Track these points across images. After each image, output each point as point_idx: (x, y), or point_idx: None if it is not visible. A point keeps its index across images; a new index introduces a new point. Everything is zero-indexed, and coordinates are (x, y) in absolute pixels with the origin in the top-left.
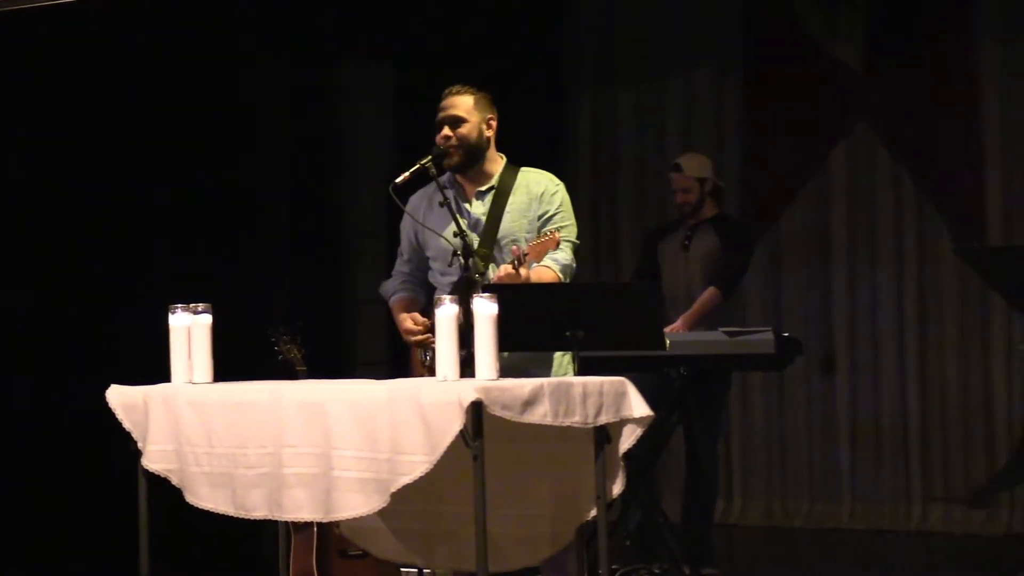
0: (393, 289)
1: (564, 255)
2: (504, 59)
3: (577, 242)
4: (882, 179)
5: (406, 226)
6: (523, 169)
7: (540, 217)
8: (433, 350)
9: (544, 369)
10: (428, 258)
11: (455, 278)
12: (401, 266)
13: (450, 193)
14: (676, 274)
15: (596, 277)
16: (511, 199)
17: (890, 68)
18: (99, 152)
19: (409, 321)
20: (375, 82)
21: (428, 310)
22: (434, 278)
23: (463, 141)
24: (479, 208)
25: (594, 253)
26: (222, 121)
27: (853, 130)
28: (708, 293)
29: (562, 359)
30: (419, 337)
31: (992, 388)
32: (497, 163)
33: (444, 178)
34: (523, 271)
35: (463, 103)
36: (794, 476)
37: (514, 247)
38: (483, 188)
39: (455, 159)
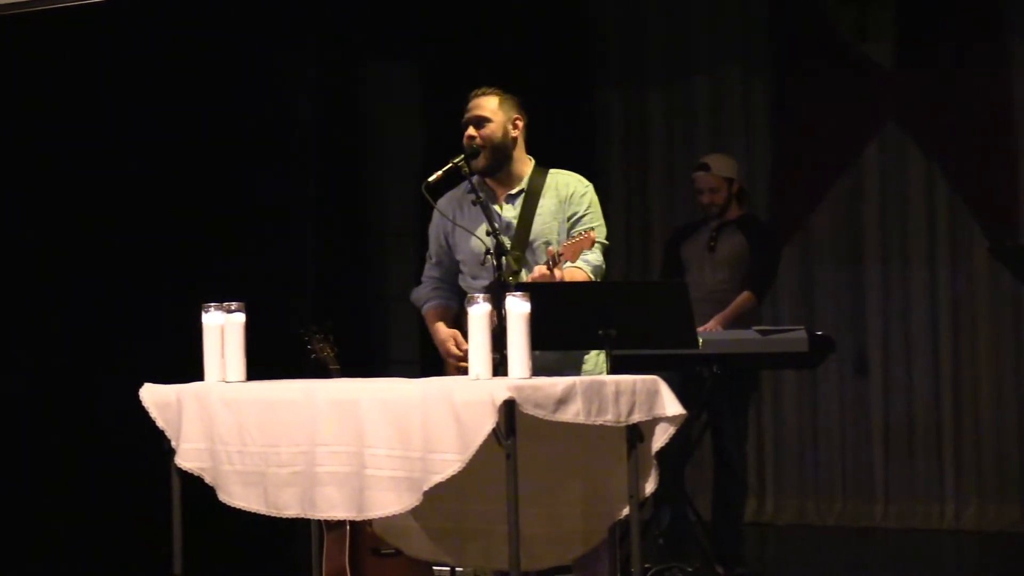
0: (425, 296)
1: (595, 256)
2: (533, 60)
3: (607, 243)
4: (914, 177)
5: (435, 229)
6: (552, 171)
7: (570, 218)
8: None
9: (573, 371)
10: (458, 262)
11: (486, 282)
12: (431, 270)
13: (482, 194)
14: (702, 275)
15: (627, 276)
16: (541, 202)
17: (921, 66)
18: (134, 153)
19: (452, 344)
20: (402, 82)
21: (461, 317)
22: (464, 282)
23: (487, 141)
24: (510, 212)
25: (625, 253)
26: (252, 122)
27: (884, 129)
28: (743, 297)
29: (596, 357)
30: (461, 364)
31: None
32: (526, 165)
33: (475, 178)
34: (557, 272)
35: (488, 104)
36: (827, 475)
37: (548, 248)
38: (513, 191)
39: (481, 161)
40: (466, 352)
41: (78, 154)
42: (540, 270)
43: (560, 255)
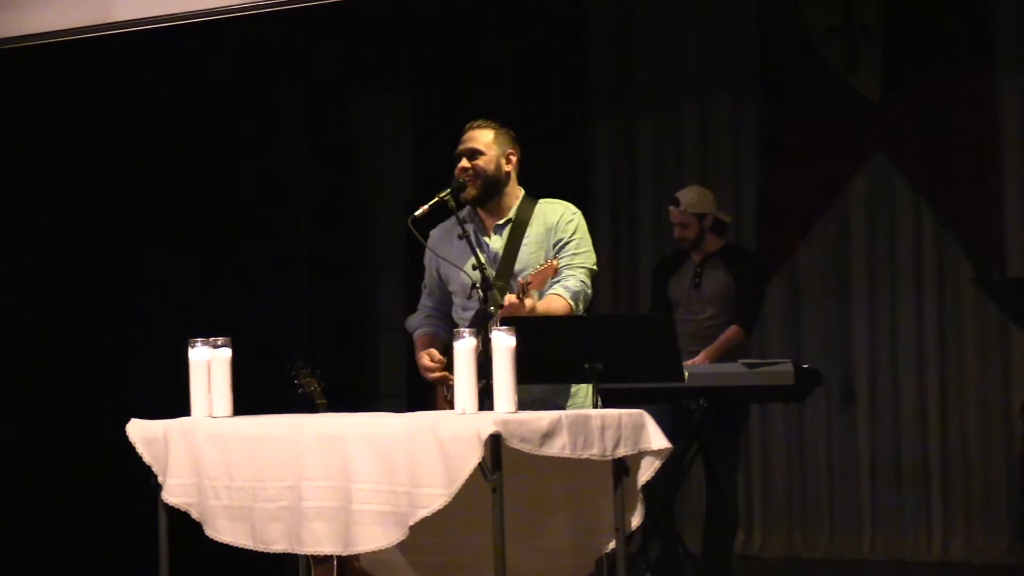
0: (417, 324)
1: (574, 282)
2: (522, 88)
3: (594, 268)
4: (901, 209)
5: (429, 261)
6: (541, 201)
7: (555, 245)
8: (452, 385)
9: (566, 400)
10: (451, 293)
11: (474, 312)
12: (425, 300)
13: (470, 227)
14: (691, 312)
15: (615, 305)
16: (528, 231)
17: (908, 97)
18: (117, 185)
19: (426, 358)
20: (392, 113)
21: (450, 346)
22: (456, 312)
23: (480, 173)
24: (497, 242)
25: (613, 282)
26: (239, 153)
27: (871, 159)
28: (731, 331)
29: (586, 388)
30: (437, 374)
31: (1013, 417)
32: (516, 196)
33: (464, 212)
34: (528, 301)
35: (482, 136)
36: (814, 507)
37: (519, 278)
38: (501, 222)
39: (472, 191)
40: (440, 363)
41: (68, 187)
42: (510, 299)
43: (528, 284)
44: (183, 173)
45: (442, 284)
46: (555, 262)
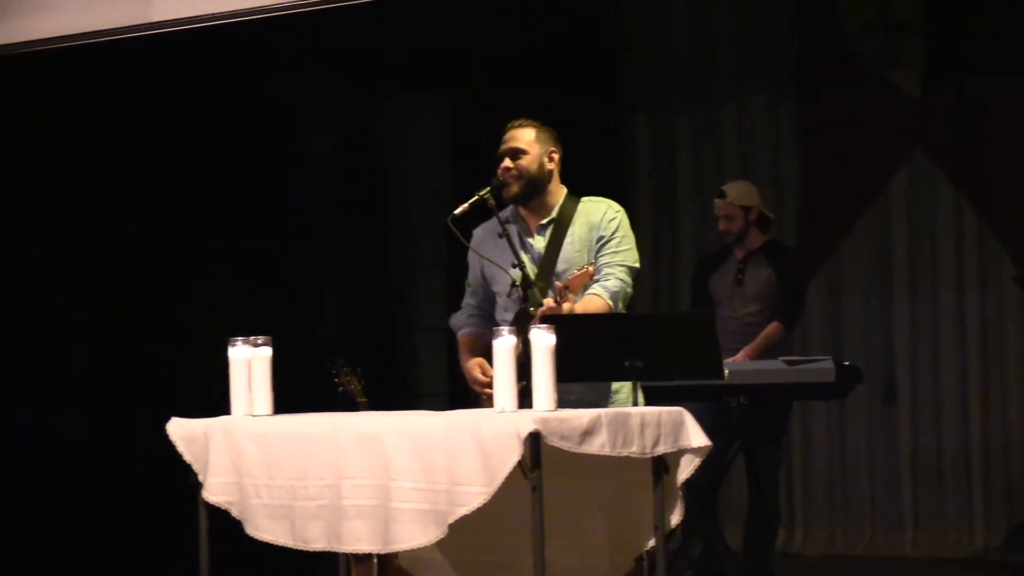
0: (460, 323)
1: (613, 281)
2: (560, 89)
3: (636, 266)
4: (942, 206)
5: (473, 259)
6: (584, 199)
7: (598, 242)
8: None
9: (607, 402)
10: (494, 293)
11: (514, 313)
12: (468, 298)
13: (512, 227)
14: (733, 309)
15: (655, 304)
16: (571, 230)
17: (948, 94)
18: (157, 187)
19: (478, 371)
20: (429, 114)
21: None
22: (499, 313)
23: (523, 172)
24: (540, 242)
25: (654, 281)
26: (279, 155)
27: (912, 157)
28: (772, 328)
29: (627, 389)
30: (487, 391)
31: None
32: (559, 195)
33: (507, 212)
34: (566, 305)
35: (524, 136)
36: (856, 504)
37: (557, 282)
38: (544, 221)
39: (514, 188)
40: (491, 379)
41: (105, 188)
42: (548, 303)
43: (566, 288)
44: (221, 173)
45: (486, 284)
46: (590, 267)
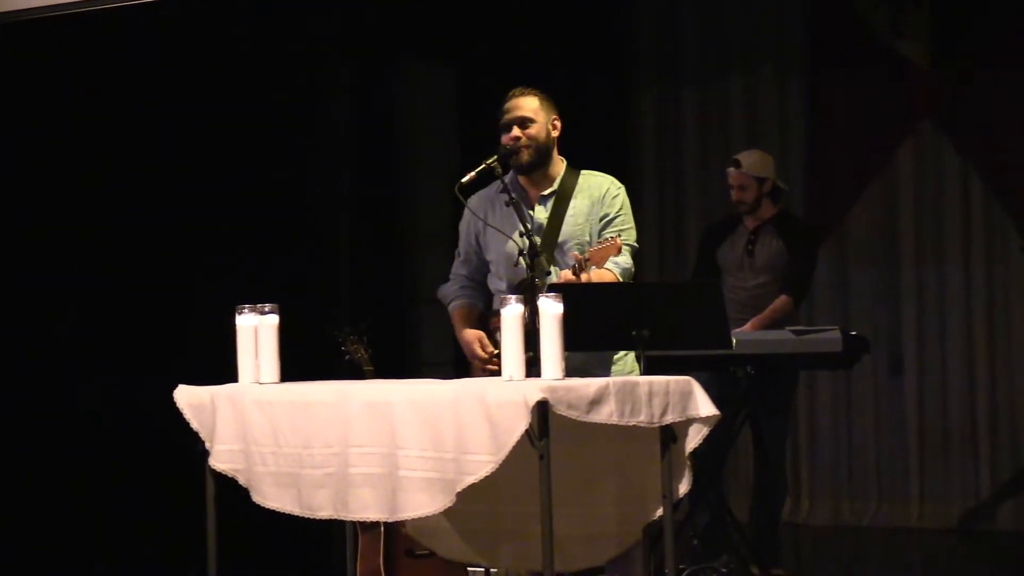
0: (453, 294)
1: (624, 259)
2: (568, 60)
3: (637, 245)
4: (949, 177)
5: (467, 227)
6: (584, 172)
7: (601, 219)
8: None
9: (606, 370)
10: (487, 261)
11: (515, 282)
12: (459, 268)
13: (504, 198)
14: (742, 279)
15: (661, 276)
16: (573, 203)
17: (956, 65)
18: (172, 155)
19: (478, 345)
20: (436, 82)
21: (486, 317)
22: (492, 283)
23: (532, 141)
24: (541, 213)
25: (659, 252)
26: (286, 123)
27: (919, 128)
28: (780, 301)
29: (627, 357)
30: (488, 367)
31: None
32: (559, 166)
33: (508, 179)
34: (584, 276)
35: (529, 104)
36: (862, 475)
37: (575, 253)
38: (545, 193)
39: (525, 156)
40: (491, 355)
41: (116, 155)
42: (566, 275)
43: (587, 260)
44: (229, 143)
45: (480, 251)
46: (619, 240)
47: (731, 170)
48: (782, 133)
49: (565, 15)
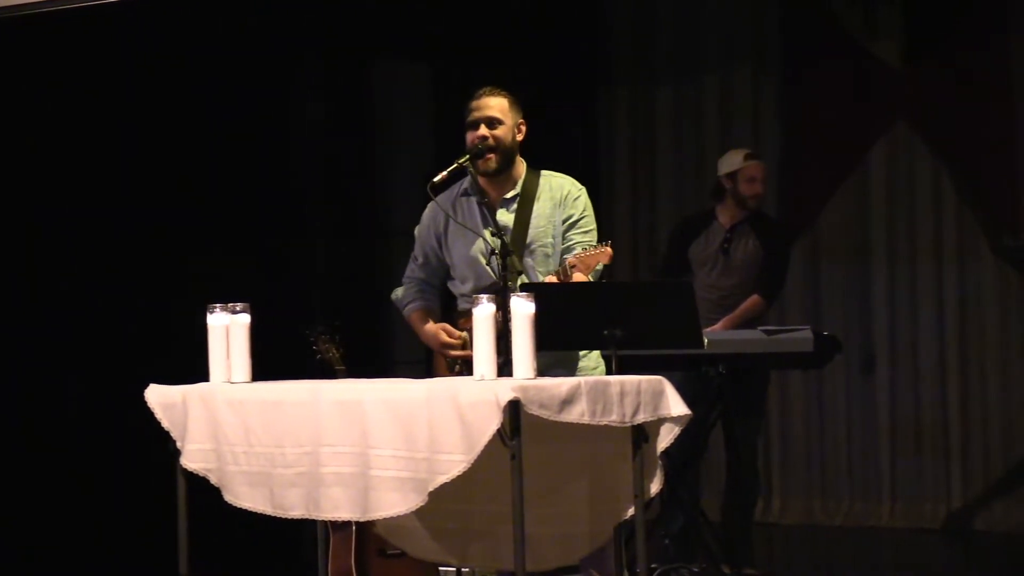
0: (409, 297)
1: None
2: (542, 59)
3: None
4: (921, 177)
5: (426, 229)
6: (544, 173)
7: (564, 221)
8: (464, 360)
9: (566, 370)
10: (448, 265)
11: (475, 285)
12: (416, 271)
13: (474, 200)
14: (714, 278)
15: (634, 275)
16: (536, 205)
17: (929, 65)
18: (142, 154)
19: (444, 335)
20: (410, 81)
21: (446, 319)
22: (453, 286)
23: (499, 143)
24: (504, 216)
25: (631, 252)
26: (258, 121)
27: (892, 128)
28: (751, 301)
29: (592, 352)
30: (459, 353)
31: None
32: (520, 168)
33: (466, 183)
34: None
35: (498, 104)
36: (834, 475)
37: (567, 257)
38: (508, 196)
39: (492, 163)
40: (459, 339)
41: (84, 155)
42: (550, 278)
43: (573, 267)
44: (202, 141)
45: (440, 254)
46: (609, 248)
47: (751, 162)
48: (756, 133)
49: (540, 13)
